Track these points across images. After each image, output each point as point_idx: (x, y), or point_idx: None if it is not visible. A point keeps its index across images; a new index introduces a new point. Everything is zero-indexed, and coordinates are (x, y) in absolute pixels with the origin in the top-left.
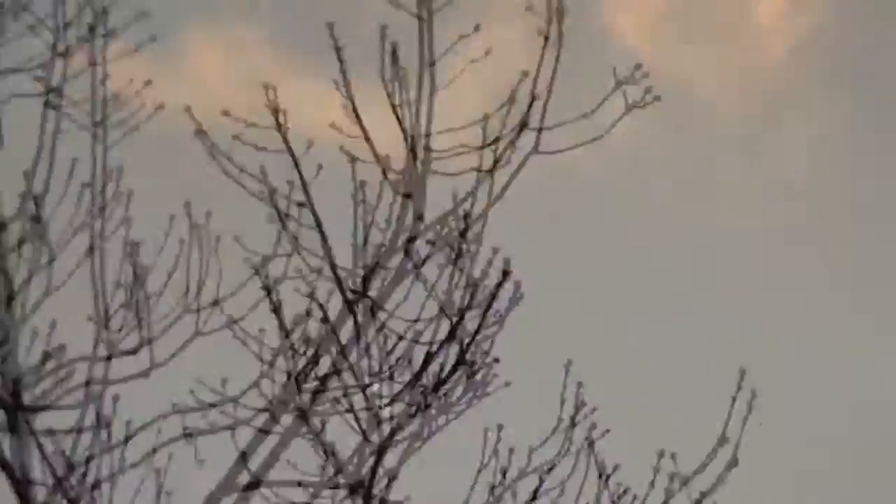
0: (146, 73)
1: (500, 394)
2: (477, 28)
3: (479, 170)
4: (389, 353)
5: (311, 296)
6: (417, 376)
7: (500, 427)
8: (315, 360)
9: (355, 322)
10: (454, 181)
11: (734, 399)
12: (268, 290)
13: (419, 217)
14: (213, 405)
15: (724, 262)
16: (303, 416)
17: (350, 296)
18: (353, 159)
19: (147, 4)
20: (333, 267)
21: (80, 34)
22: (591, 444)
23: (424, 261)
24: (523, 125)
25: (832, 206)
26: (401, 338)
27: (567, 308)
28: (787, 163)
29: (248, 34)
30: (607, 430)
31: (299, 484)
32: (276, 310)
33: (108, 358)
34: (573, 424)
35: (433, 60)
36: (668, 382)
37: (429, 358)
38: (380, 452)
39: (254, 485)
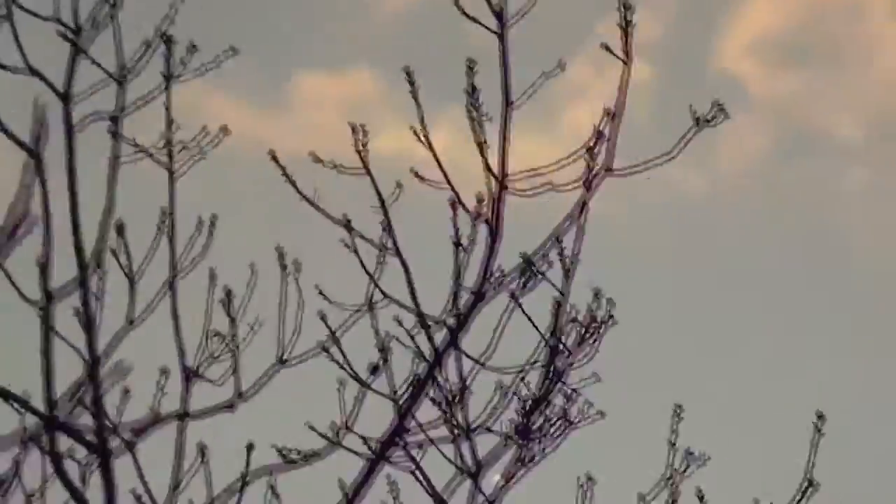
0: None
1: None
2: (561, 66)
3: (555, 188)
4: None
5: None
6: (525, 424)
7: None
8: (411, 405)
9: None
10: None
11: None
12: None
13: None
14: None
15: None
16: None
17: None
18: (456, 203)
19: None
20: (422, 316)
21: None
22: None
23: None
24: (599, 135)
25: None
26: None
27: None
28: None
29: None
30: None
31: None
32: (383, 350)
33: (203, 415)
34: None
35: (510, 100)
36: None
37: (535, 405)
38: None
39: None
